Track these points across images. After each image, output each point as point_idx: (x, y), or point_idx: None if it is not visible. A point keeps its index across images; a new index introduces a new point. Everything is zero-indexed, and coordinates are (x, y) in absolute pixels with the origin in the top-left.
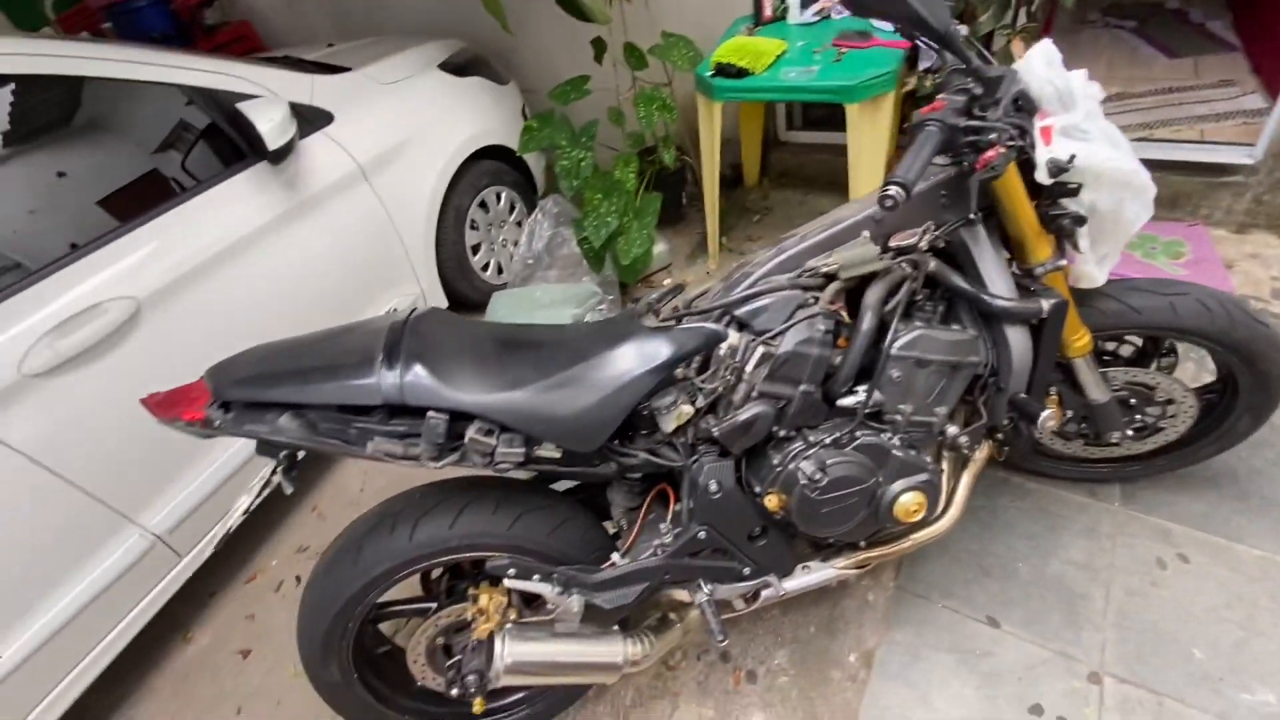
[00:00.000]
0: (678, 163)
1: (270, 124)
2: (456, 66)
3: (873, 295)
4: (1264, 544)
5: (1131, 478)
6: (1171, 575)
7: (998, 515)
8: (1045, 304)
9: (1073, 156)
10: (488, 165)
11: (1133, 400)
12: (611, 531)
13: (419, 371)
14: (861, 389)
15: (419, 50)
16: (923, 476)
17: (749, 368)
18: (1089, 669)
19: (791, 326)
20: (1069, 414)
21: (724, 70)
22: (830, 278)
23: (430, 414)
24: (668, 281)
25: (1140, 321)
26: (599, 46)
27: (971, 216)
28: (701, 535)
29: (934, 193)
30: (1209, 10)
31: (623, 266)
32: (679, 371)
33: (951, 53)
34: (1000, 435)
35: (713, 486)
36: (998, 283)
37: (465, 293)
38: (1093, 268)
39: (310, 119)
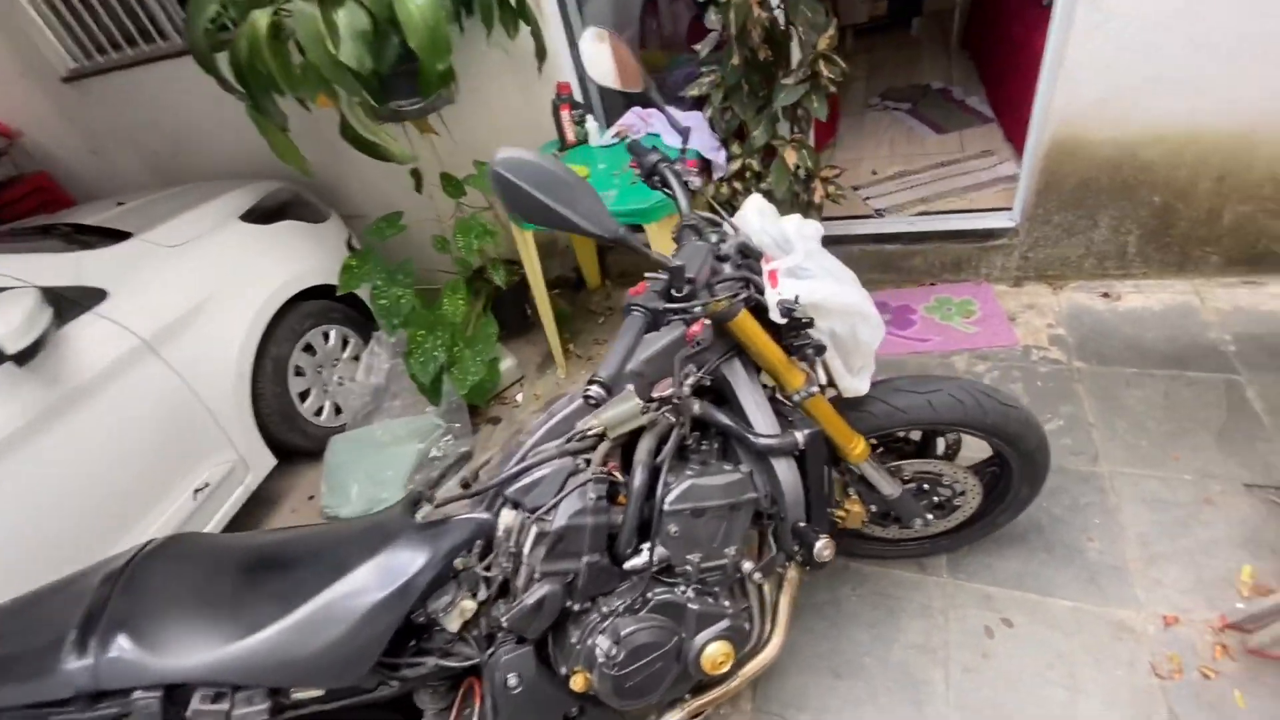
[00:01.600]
0: (516, 276)
1: (8, 326)
2: (267, 211)
3: (642, 450)
4: (1072, 594)
5: (951, 548)
6: (999, 643)
7: (841, 608)
8: (800, 436)
9: (797, 296)
10: (310, 307)
11: (925, 486)
12: None
13: (122, 644)
14: (646, 548)
15: (217, 203)
16: (724, 624)
17: (526, 549)
18: None
19: (563, 499)
20: (873, 509)
21: None
22: (601, 437)
23: (137, 695)
24: (519, 397)
25: (907, 419)
26: (416, 177)
27: (723, 356)
28: None
29: (681, 340)
30: (967, 88)
31: (468, 391)
32: (459, 562)
33: (629, 251)
34: (799, 558)
35: (512, 680)
36: (758, 417)
37: (297, 442)
38: (852, 381)
39: (76, 300)
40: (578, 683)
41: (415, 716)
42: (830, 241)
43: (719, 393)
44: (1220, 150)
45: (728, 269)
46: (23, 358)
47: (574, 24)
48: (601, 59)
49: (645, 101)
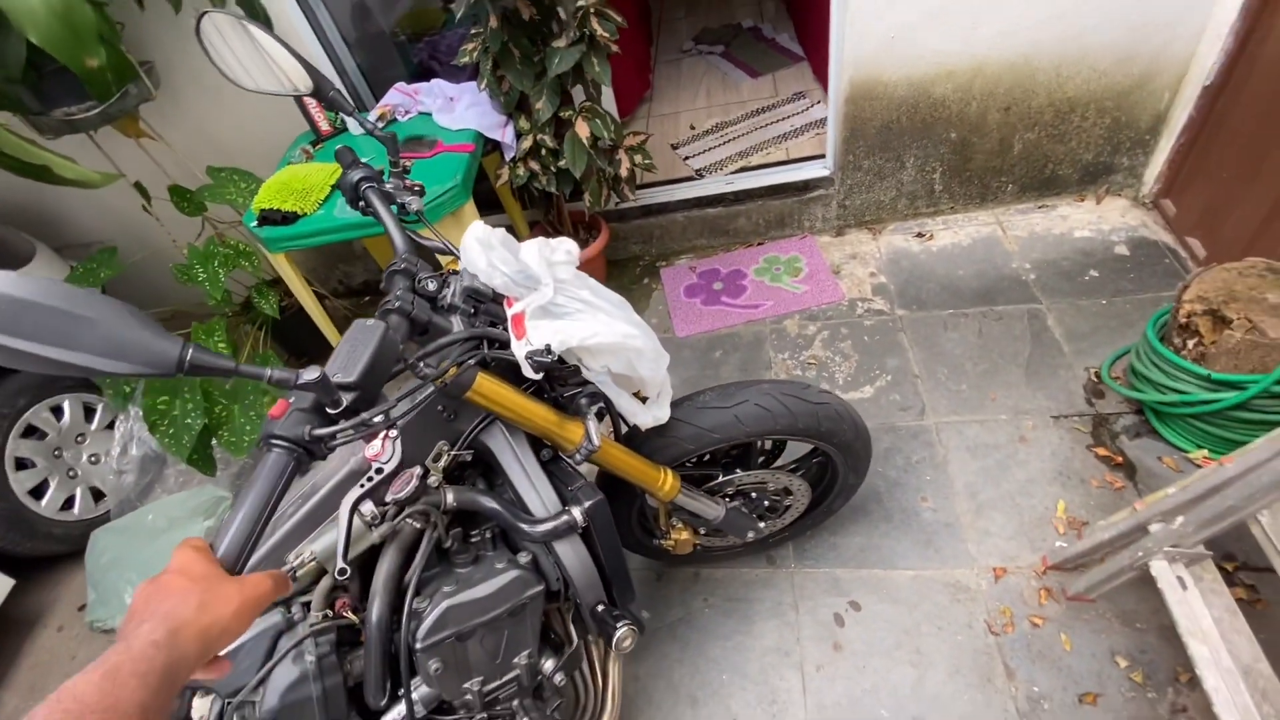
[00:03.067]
0: (288, 299)
1: None
2: None
3: (381, 573)
4: (912, 561)
5: (794, 536)
6: (849, 630)
7: (694, 623)
8: (578, 514)
9: (548, 346)
10: (23, 379)
11: (753, 495)
12: None
13: None
14: (402, 695)
15: None
16: None
17: None
18: None
19: (270, 670)
20: (701, 531)
21: (268, 218)
22: (320, 574)
23: None
24: None
25: (717, 438)
26: (142, 192)
27: (474, 425)
28: None
29: (430, 414)
30: (777, 24)
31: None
32: None
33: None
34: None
35: None
36: (531, 493)
37: (36, 550)
38: (648, 414)
39: None
40: None
41: None
42: (650, 211)
43: (485, 463)
44: (1003, 81)
45: (456, 324)
46: None
47: None
48: (225, 48)
49: (423, 73)
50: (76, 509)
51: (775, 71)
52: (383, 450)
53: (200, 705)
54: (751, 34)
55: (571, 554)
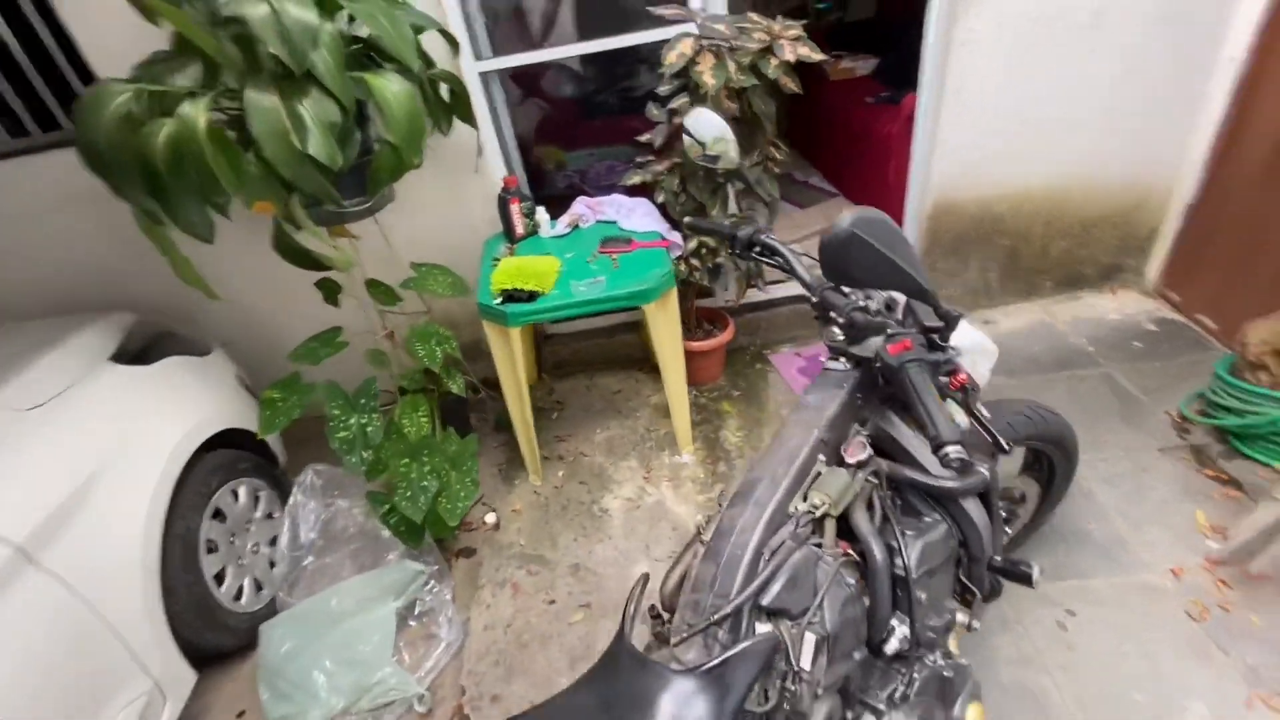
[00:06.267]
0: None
1: None
2: (136, 351)
3: (865, 523)
4: (1101, 571)
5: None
6: (1074, 634)
7: None
8: (986, 471)
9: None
10: (211, 461)
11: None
12: None
13: None
14: (899, 626)
15: (74, 345)
16: (970, 683)
17: (806, 663)
18: None
19: (825, 595)
20: None
21: (513, 296)
22: (821, 520)
23: None
24: (490, 518)
25: (1013, 437)
26: (329, 289)
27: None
28: None
29: (852, 399)
30: (804, 170)
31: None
32: (751, 705)
33: (930, 305)
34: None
35: None
36: (931, 462)
37: (219, 643)
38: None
39: None
40: None
41: None
42: (757, 307)
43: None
44: (1046, 201)
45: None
46: None
47: (502, 121)
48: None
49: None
50: (244, 600)
51: (817, 205)
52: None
53: (782, 634)
54: (788, 179)
55: (977, 510)
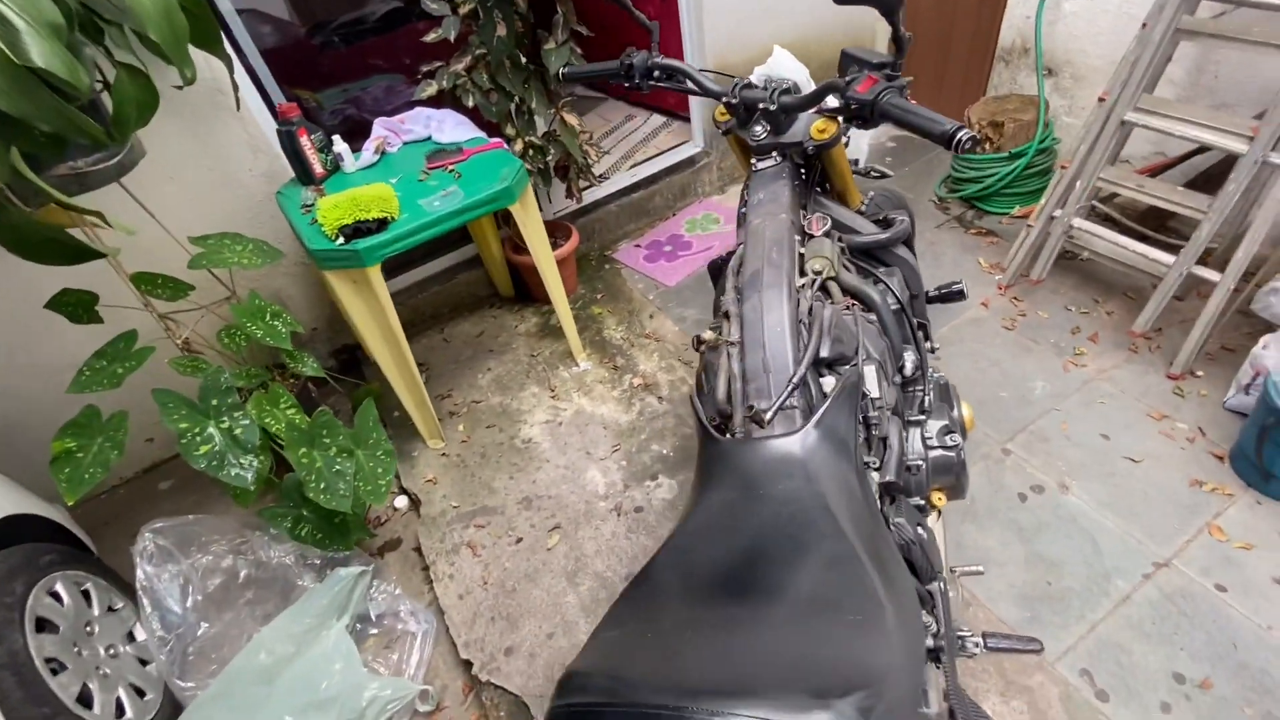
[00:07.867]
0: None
1: None
2: None
3: (854, 278)
4: (940, 320)
5: None
6: (946, 365)
7: None
8: (907, 219)
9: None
10: (13, 560)
11: None
12: None
13: None
14: (908, 352)
15: None
16: (955, 388)
17: (875, 390)
18: None
19: (862, 334)
20: None
21: (359, 230)
22: (824, 285)
23: None
24: (400, 502)
25: None
26: (76, 303)
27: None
28: None
29: (793, 185)
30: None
31: (352, 517)
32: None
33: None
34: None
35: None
36: (865, 226)
37: None
38: None
39: None
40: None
41: None
42: (587, 210)
43: None
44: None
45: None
46: None
47: (245, 50)
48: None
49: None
50: (130, 713)
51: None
52: None
53: (866, 377)
54: None
55: (907, 254)
